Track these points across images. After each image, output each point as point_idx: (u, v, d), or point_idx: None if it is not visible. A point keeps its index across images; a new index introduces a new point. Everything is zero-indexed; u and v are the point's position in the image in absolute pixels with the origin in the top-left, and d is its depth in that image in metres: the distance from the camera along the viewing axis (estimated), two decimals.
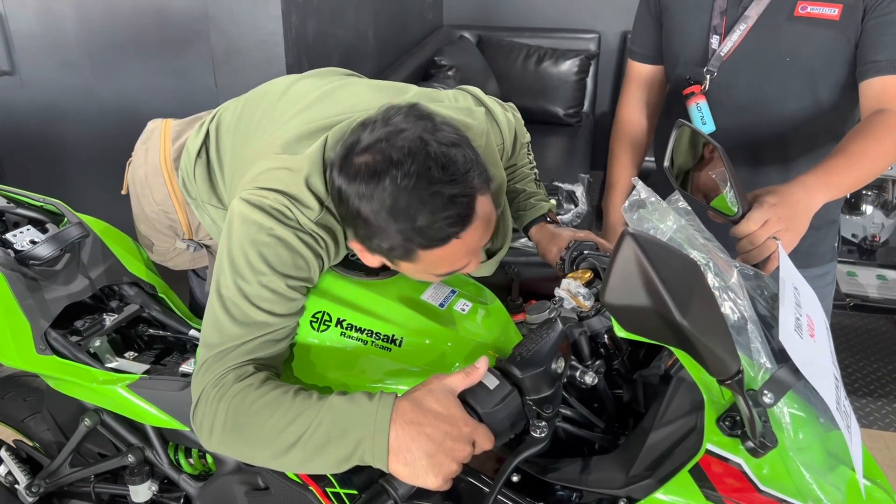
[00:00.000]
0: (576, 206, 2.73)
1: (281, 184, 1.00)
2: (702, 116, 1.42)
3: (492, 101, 1.28)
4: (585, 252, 1.21)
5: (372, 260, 1.02)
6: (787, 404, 0.88)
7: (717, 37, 1.39)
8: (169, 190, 1.35)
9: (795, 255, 1.18)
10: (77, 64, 2.61)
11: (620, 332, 0.83)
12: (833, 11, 1.28)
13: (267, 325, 0.98)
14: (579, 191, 2.79)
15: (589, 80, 3.89)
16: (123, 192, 1.45)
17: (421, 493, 0.88)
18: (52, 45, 2.59)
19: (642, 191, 1.00)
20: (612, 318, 0.81)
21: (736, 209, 1.11)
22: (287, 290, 0.99)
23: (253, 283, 0.97)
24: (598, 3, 3.90)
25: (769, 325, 0.94)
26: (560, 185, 2.80)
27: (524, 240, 2.66)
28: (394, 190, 0.89)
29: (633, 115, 1.62)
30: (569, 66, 3.77)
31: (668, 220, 0.97)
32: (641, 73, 1.59)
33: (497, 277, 2.66)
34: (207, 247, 1.39)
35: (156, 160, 1.36)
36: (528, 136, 1.42)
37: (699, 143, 1.18)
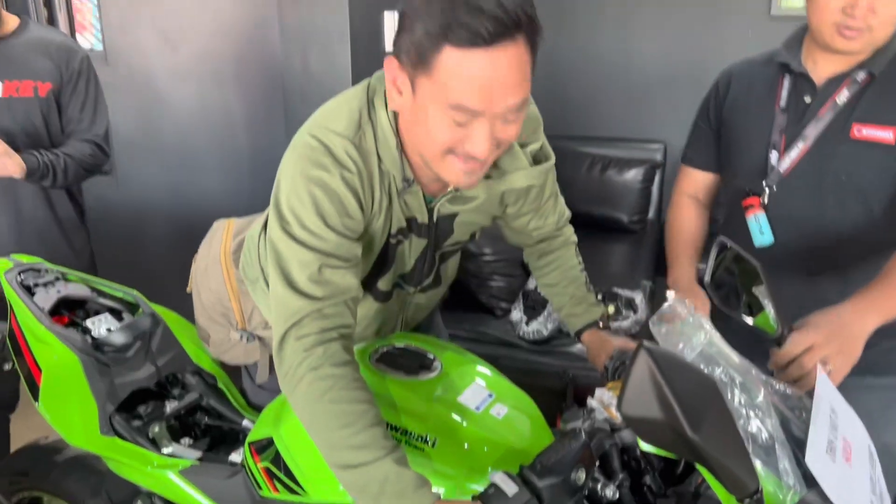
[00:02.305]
0: (635, 312, 2.72)
1: (319, 120, 1.10)
2: (760, 227, 1.45)
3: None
4: (627, 362, 1.23)
5: (399, 98, 1.04)
6: None
7: (776, 153, 1.43)
8: (225, 279, 1.44)
9: (863, 362, 1.16)
10: (169, 166, 2.85)
11: (643, 446, 0.84)
12: (888, 135, 1.32)
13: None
14: (638, 298, 2.79)
15: (654, 189, 3.93)
16: (188, 291, 1.56)
17: None
18: (149, 149, 2.85)
19: (675, 304, 1.03)
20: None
21: (776, 327, 1.12)
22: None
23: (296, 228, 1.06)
24: (663, 114, 3.98)
25: (803, 446, 0.93)
26: (619, 291, 2.81)
27: (580, 345, 2.66)
28: None
29: (689, 217, 1.64)
30: (634, 174, 3.82)
31: (700, 335, 0.99)
32: (696, 178, 1.64)
33: (552, 382, 2.66)
34: (261, 339, 1.46)
35: (217, 253, 1.47)
36: (568, 212, 1.46)
37: (740, 259, 1.20)
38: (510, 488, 0.88)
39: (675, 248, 1.63)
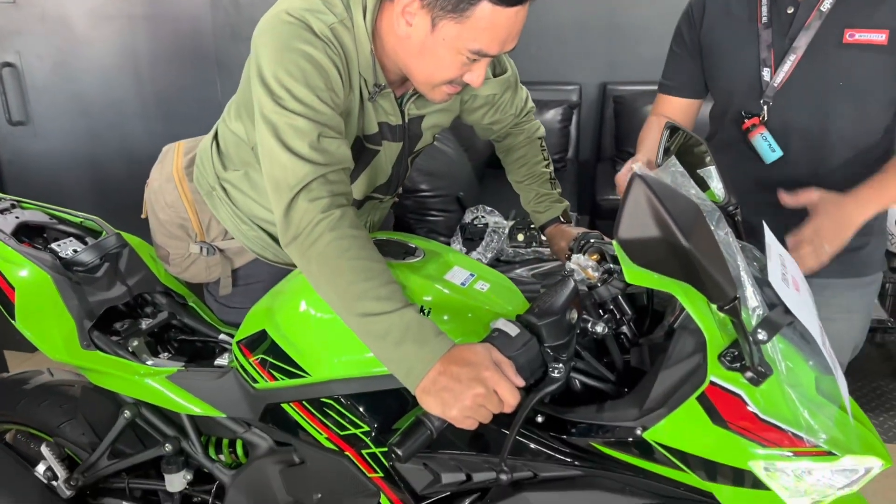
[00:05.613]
0: None
1: (295, 4, 1.13)
2: (769, 144, 1.45)
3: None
4: (592, 240, 1.34)
5: (408, 28, 1.08)
6: (780, 351, 0.98)
7: (768, 69, 1.43)
8: (180, 192, 1.45)
9: (850, 266, 1.37)
10: (89, 112, 2.74)
11: (630, 277, 0.94)
12: (881, 37, 1.34)
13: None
14: None
15: (572, 129, 4.09)
16: (143, 216, 1.54)
17: (452, 434, 0.98)
18: (67, 95, 2.73)
19: (640, 169, 1.13)
20: (622, 260, 0.92)
21: (722, 197, 1.25)
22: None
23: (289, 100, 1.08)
24: (577, 58, 4.11)
25: (761, 285, 1.06)
26: None
27: (520, 270, 2.77)
28: None
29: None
30: (552, 115, 3.96)
31: None
32: (673, 105, 1.62)
33: None
34: (222, 250, 1.46)
35: (169, 171, 1.48)
36: (531, 105, 1.55)
37: (687, 140, 1.32)
38: (512, 330, 0.97)
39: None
